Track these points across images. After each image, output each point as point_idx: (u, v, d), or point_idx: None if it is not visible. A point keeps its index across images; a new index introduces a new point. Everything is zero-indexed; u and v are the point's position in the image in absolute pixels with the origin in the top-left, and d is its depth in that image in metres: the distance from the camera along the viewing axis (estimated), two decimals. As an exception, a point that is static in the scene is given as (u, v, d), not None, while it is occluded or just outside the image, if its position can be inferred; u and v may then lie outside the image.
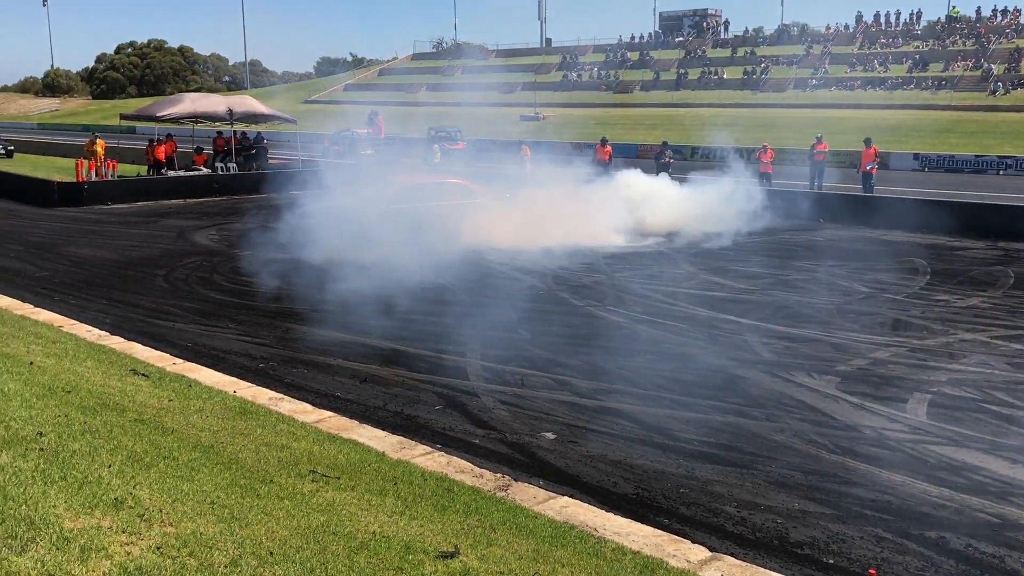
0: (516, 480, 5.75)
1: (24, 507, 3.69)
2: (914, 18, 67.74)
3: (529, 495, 5.44)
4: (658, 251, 16.82)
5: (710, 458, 6.77)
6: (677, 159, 29.97)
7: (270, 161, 32.18)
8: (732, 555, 4.91)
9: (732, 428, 7.42)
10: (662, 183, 21.14)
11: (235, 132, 32.09)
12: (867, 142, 24.40)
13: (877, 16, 70.06)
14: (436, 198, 17.76)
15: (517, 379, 8.72)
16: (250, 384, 7.72)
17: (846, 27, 70.93)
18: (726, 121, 44.68)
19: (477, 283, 13.47)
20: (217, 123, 31.56)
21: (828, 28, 71.92)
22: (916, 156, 37.01)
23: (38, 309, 10.44)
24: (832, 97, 59.78)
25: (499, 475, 5.80)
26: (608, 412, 7.78)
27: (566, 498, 5.49)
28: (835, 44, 68.91)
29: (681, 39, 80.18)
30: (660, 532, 5.01)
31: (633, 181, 20.41)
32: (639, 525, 5.10)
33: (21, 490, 3.87)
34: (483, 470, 5.85)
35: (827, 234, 19.27)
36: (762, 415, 7.75)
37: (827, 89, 62.09)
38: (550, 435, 7.18)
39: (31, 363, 6.94)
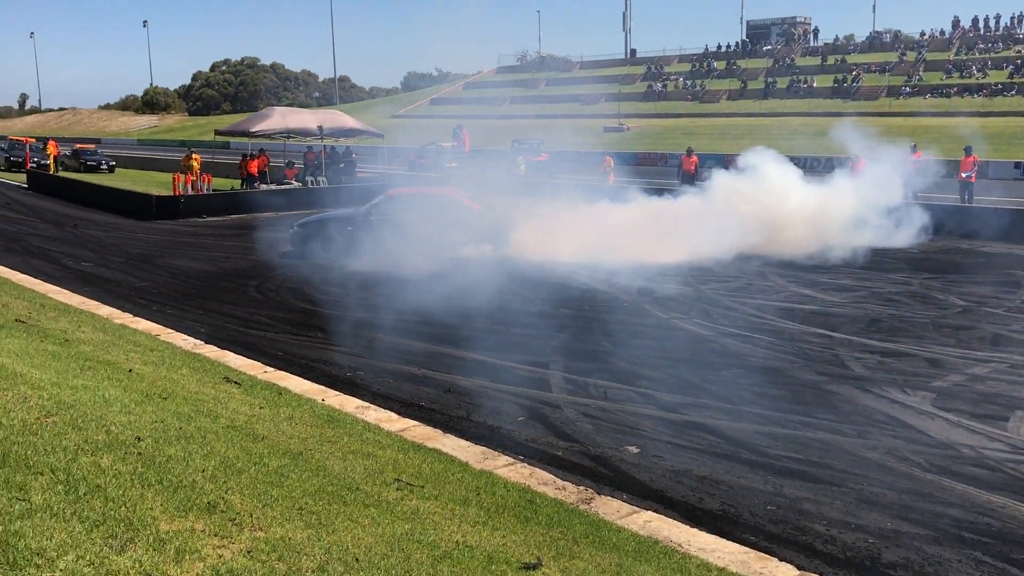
0: (599, 493, 5.71)
1: (123, 508, 3.83)
2: (1015, 21, 65.31)
3: (612, 509, 5.40)
4: (746, 264, 16.53)
5: (799, 475, 6.61)
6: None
7: (359, 174, 32.82)
8: (821, 574, 4.79)
9: (822, 444, 7.23)
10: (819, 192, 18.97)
11: (324, 146, 32.84)
12: (967, 150, 23.61)
13: (975, 20, 67.86)
14: (414, 211, 16.92)
15: (600, 391, 8.68)
16: (338, 393, 7.86)
17: (942, 32, 68.87)
18: (817, 130, 43.72)
19: (559, 296, 13.46)
20: (308, 138, 32.37)
21: (922, 34, 69.93)
22: (1018, 164, 35.64)
23: (137, 318, 10.85)
24: (927, 105, 58.01)
25: (582, 488, 5.78)
26: (694, 426, 7.67)
27: (650, 512, 5.43)
28: (930, 50, 66.96)
29: (769, 47, 78.96)
30: (747, 549, 4.92)
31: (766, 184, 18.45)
32: (725, 542, 5.02)
33: (120, 492, 4.01)
34: (566, 482, 5.84)
35: (922, 245, 18.67)
36: (853, 431, 7.55)
37: (922, 97, 60.30)
38: (634, 449, 7.12)
39: (130, 370, 7.21)
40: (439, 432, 6.84)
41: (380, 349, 10.25)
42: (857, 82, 65.81)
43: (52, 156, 43.86)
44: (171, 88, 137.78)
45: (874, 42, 73.08)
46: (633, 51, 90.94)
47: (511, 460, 6.25)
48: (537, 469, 6.09)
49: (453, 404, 8.25)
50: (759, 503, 6.10)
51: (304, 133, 31.56)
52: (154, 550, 3.50)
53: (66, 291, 12.42)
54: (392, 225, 16.23)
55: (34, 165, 42.60)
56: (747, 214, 17.62)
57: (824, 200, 18.76)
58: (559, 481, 5.83)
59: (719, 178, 19.53)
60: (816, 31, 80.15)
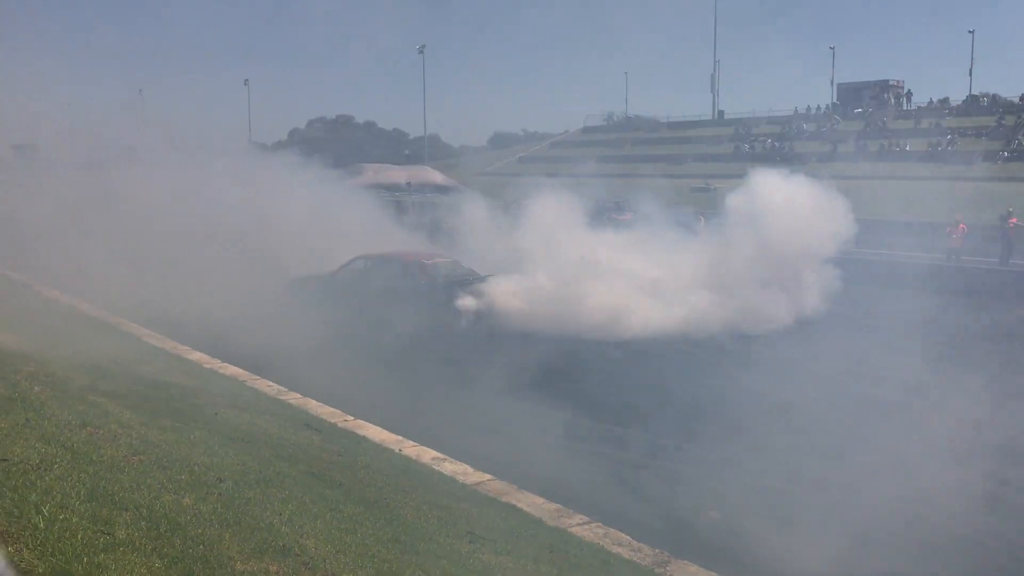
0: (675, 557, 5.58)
1: (201, 547, 3.89)
2: (1122, 86, 63.10)
3: (689, 574, 5.26)
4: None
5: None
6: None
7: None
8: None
9: None
10: None
11: (412, 202, 33.51)
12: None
13: (1079, 84, 65.81)
14: None
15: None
16: (415, 443, 7.88)
17: (1043, 96, 66.94)
18: (909, 194, 42.77)
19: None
20: (397, 192, 33.11)
21: (1022, 98, 68.01)
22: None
23: (225, 364, 11.09)
24: (1027, 169, 56.25)
25: (657, 550, 5.65)
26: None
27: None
28: (1031, 114, 65.04)
29: (860, 110, 77.79)
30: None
31: None
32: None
33: (200, 531, 4.09)
34: (641, 544, 5.71)
35: None
36: None
37: (1020, 162, 58.48)
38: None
39: (216, 413, 7.38)
40: (514, 487, 6.78)
41: (458, 403, 10.20)
42: (952, 146, 64.24)
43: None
44: (268, 144, 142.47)
45: (970, 106, 71.34)
46: (721, 112, 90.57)
47: (585, 519, 6.15)
48: (611, 529, 5.98)
49: (530, 461, 8.15)
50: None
51: (393, 188, 32.30)
52: (228, 590, 3.54)
53: (158, 335, 12.77)
54: None
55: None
56: None
57: None
58: (634, 543, 5.71)
59: None
60: (910, 94, 78.70)
